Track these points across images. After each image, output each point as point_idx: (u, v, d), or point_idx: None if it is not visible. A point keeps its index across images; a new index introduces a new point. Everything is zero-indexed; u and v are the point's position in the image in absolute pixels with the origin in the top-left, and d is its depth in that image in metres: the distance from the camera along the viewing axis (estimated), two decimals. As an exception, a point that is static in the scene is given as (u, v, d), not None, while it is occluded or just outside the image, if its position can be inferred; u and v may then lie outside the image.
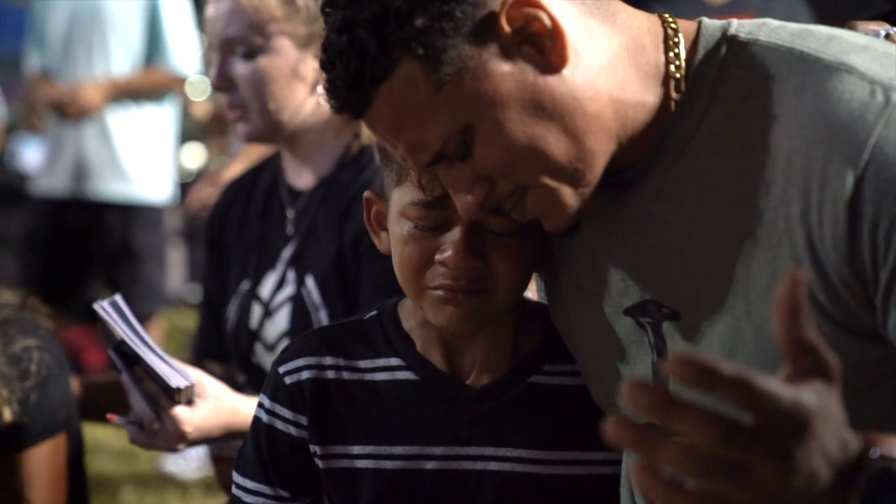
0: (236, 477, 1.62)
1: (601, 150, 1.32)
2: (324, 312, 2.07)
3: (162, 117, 4.84)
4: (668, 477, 0.89)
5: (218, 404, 1.85)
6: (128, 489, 4.42)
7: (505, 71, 1.28)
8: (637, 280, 1.39)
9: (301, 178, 2.20)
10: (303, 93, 2.12)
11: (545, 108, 1.29)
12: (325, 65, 1.32)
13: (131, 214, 4.74)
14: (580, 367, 1.51)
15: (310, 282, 2.11)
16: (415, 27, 1.26)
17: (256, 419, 1.60)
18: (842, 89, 1.23)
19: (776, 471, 0.90)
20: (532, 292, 1.63)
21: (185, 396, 1.81)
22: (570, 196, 1.34)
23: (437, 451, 1.53)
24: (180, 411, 1.81)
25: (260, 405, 1.59)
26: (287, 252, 2.17)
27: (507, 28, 1.28)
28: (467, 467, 1.53)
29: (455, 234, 1.44)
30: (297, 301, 2.11)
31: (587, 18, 1.31)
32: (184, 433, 1.82)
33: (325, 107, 2.12)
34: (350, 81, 1.30)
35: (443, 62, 1.27)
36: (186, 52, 4.76)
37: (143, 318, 4.83)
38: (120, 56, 4.68)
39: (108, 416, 1.91)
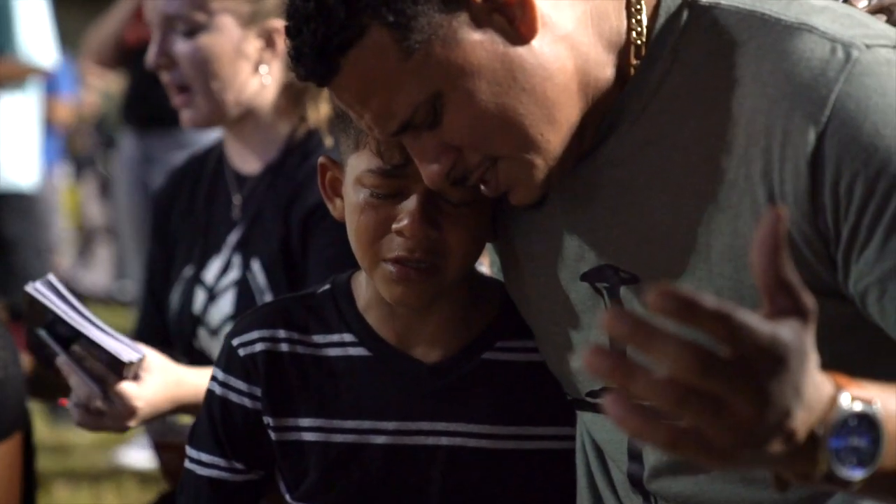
0: (190, 451, 1.61)
1: (567, 121, 1.33)
2: (269, 296, 2.07)
3: (24, 105, 4.84)
4: (643, 409, 0.89)
5: (164, 376, 1.83)
6: (61, 485, 4.37)
7: (475, 40, 1.28)
8: (594, 245, 1.39)
9: (246, 163, 2.19)
10: (246, 72, 2.10)
11: (515, 78, 1.29)
12: (291, 31, 1.31)
13: None
14: (535, 334, 1.52)
15: (255, 266, 2.10)
16: None
17: (209, 392, 1.59)
18: (802, 48, 1.25)
19: (751, 404, 0.91)
20: (486, 267, 1.63)
21: (133, 371, 1.78)
22: (540, 168, 1.34)
23: (389, 426, 1.53)
24: (128, 387, 1.78)
25: (213, 378, 1.59)
26: (233, 237, 2.16)
27: None
28: (418, 442, 1.53)
29: (412, 202, 1.43)
30: (242, 285, 2.10)
31: None
32: (134, 409, 1.79)
33: (269, 88, 2.12)
34: (317, 48, 1.29)
35: (412, 29, 1.26)
36: (40, 43, 4.74)
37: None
38: None
39: (60, 400, 1.87)
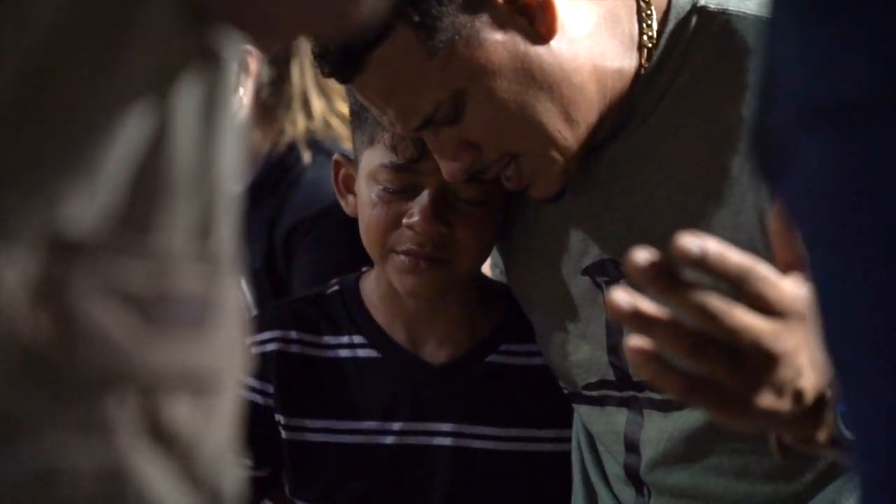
0: None
1: (584, 121, 1.38)
2: (255, 312, 2.09)
3: None
4: (660, 356, 0.90)
5: None
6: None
7: (497, 40, 1.33)
8: (596, 239, 1.44)
9: None
10: None
11: (535, 78, 1.34)
12: None
13: None
14: (535, 329, 1.55)
15: (241, 283, 2.13)
16: None
17: None
18: None
19: (766, 357, 0.92)
20: (486, 268, 1.67)
21: None
22: (559, 163, 1.39)
23: (396, 426, 1.57)
24: None
25: None
26: (218, 255, 2.19)
27: None
28: (424, 442, 1.57)
29: (423, 198, 1.47)
30: (228, 303, 2.14)
31: None
32: None
33: (244, 109, 2.15)
34: (343, 47, 1.33)
35: (437, 30, 1.31)
36: None
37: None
38: None
39: None
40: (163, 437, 0.63)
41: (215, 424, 0.66)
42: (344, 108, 2.14)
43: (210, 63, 0.67)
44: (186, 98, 0.66)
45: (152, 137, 0.63)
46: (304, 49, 2.16)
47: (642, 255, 0.88)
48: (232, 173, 0.68)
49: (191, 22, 0.65)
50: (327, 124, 2.17)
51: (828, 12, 0.53)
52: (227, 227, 0.68)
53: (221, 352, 0.66)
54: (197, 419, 0.64)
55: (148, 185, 0.63)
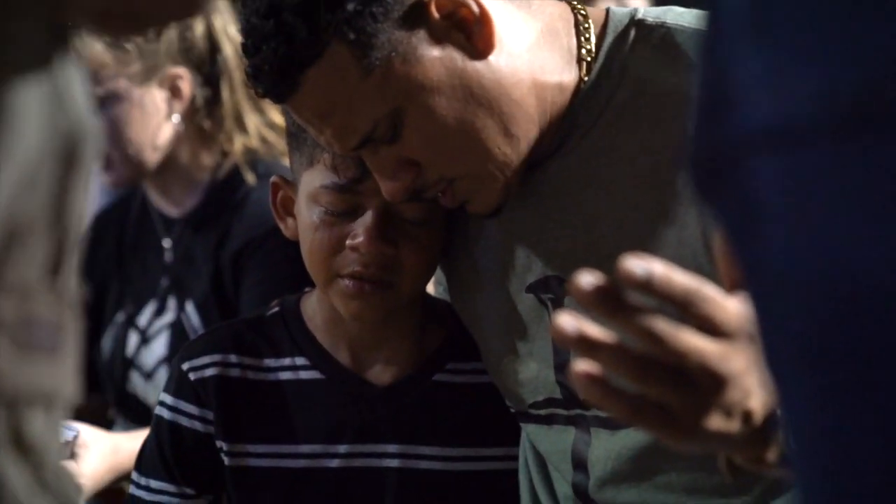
0: (136, 477, 1.60)
1: (524, 136, 1.36)
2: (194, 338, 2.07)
3: None
4: (606, 379, 0.89)
5: (101, 448, 1.84)
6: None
7: (434, 56, 1.32)
8: (540, 256, 1.42)
9: (173, 206, 2.21)
10: (156, 125, 2.13)
11: (473, 93, 1.33)
12: (249, 49, 1.33)
13: None
14: (480, 348, 1.54)
15: (189, 307, 2.11)
16: (346, 11, 1.28)
17: (157, 417, 1.59)
18: None
19: (714, 379, 0.91)
20: (430, 287, 1.66)
21: (69, 450, 1.78)
22: (498, 180, 1.37)
23: (341, 448, 1.55)
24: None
25: (161, 403, 1.58)
26: (166, 280, 2.17)
27: (436, 14, 1.32)
28: (371, 464, 1.55)
29: (367, 218, 1.45)
30: (176, 327, 2.12)
31: (507, 4, 1.36)
32: (77, 486, 1.78)
33: (181, 128, 2.15)
34: (277, 66, 1.31)
35: (373, 47, 1.29)
36: None
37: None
38: None
39: None
40: (23, 447, 0.71)
41: (56, 437, 0.75)
42: (279, 119, 2.12)
43: (67, 107, 0.73)
44: (46, 142, 0.71)
45: (19, 181, 0.69)
46: (233, 65, 2.14)
47: (587, 279, 0.87)
48: (83, 215, 0.75)
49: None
50: (263, 139, 2.15)
51: (772, 32, 0.53)
52: (74, 264, 0.75)
53: (65, 374, 0.74)
54: (47, 432, 0.73)
55: (11, 224, 0.69)
